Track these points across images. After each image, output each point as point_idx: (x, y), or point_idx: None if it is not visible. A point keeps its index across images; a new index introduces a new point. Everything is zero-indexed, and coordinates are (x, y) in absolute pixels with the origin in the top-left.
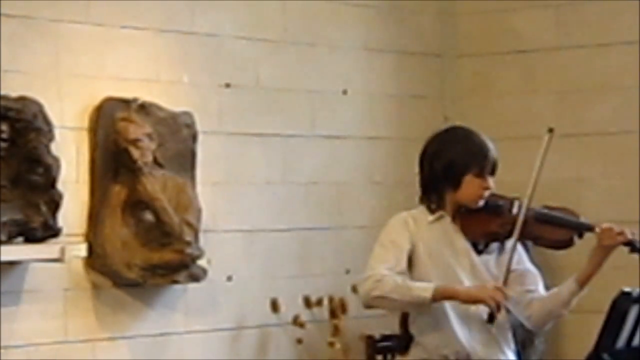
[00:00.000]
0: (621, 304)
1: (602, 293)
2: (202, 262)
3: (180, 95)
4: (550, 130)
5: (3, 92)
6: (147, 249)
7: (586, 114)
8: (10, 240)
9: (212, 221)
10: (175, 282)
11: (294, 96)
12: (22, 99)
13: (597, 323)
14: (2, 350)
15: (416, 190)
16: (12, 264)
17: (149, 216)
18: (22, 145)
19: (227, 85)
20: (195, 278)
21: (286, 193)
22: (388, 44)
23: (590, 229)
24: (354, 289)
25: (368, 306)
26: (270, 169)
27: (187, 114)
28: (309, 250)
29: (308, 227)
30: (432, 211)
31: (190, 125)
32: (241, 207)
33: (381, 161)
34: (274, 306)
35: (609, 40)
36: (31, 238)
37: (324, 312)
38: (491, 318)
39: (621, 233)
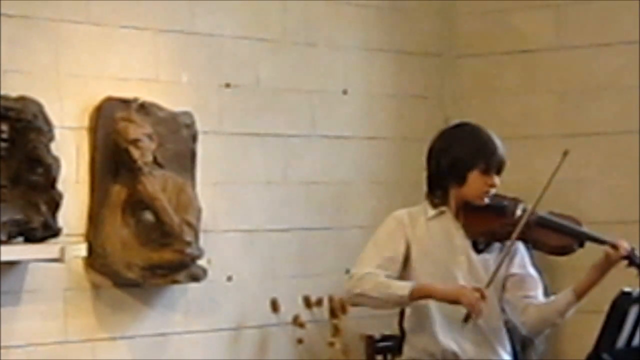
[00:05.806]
0: (621, 304)
1: (602, 293)
2: (202, 262)
3: (180, 95)
4: (565, 153)
5: (3, 92)
6: (147, 249)
7: (586, 114)
8: (10, 240)
9: (212, 221)
10: (175, 282)
11: (294, 96)
12: (22, 99)
13: (597, 323)
14: (2, 350)
15: (416, 189)
16: (12, 264)
17: (149, 216)
18: (22, 145)
19: (227, 85)
20: (195, 278)
21: (286, 193)
22: (388, 44)
23: (602, 242)
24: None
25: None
26: (270, 169)
27: (187, 114)
28: (309, 250)
29: (308, 227)
30: (435, 206)
31: (190, 125)
32: (241, 207)
33: (381, 161)
34: (274, 306)
35: (609, 40)
36: (31, 238)
37: (324, 312)
38: (466, 318)
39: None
